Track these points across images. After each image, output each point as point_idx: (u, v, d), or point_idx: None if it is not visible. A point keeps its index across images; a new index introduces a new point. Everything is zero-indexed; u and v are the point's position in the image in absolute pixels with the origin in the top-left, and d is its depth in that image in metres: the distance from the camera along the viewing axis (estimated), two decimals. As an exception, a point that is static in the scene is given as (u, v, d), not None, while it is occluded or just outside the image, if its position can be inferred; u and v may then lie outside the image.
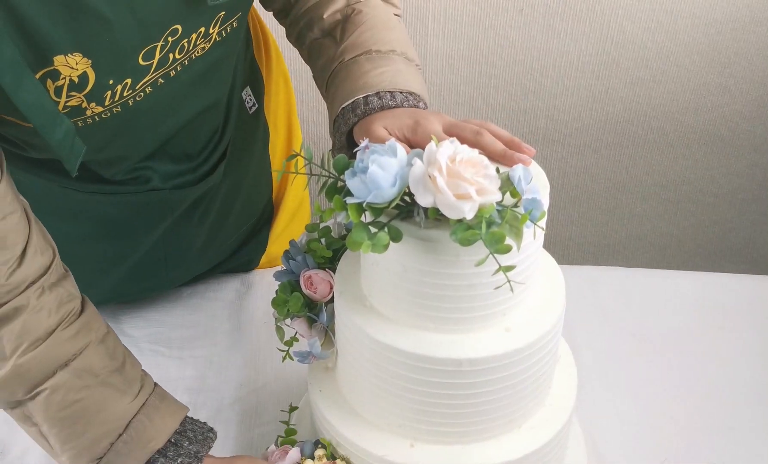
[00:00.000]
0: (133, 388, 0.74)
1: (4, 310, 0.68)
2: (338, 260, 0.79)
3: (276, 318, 0.81)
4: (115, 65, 0.72)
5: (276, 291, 0.80)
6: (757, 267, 1.24)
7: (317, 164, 0.68)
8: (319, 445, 0.77)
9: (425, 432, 0.73)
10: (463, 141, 0.70)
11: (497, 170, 0.64)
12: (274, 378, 0.98)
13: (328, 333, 0.79)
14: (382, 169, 0.61)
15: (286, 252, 0.81)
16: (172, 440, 0.75)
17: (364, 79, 0.79)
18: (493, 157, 0.70)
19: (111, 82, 0.73)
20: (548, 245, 0.80)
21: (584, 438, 0.90)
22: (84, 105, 0.73)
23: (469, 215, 0.60)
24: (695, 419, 0.94)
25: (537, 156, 0.72)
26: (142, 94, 0.77)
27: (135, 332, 1.05)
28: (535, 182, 0.66)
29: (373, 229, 0.63)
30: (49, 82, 0.68)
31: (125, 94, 0.75)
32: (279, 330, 0.81)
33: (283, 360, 0.79)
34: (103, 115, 0.76)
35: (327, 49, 0.85)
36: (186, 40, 0.76)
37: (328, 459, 0.76)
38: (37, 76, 0.67)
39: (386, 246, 0.62)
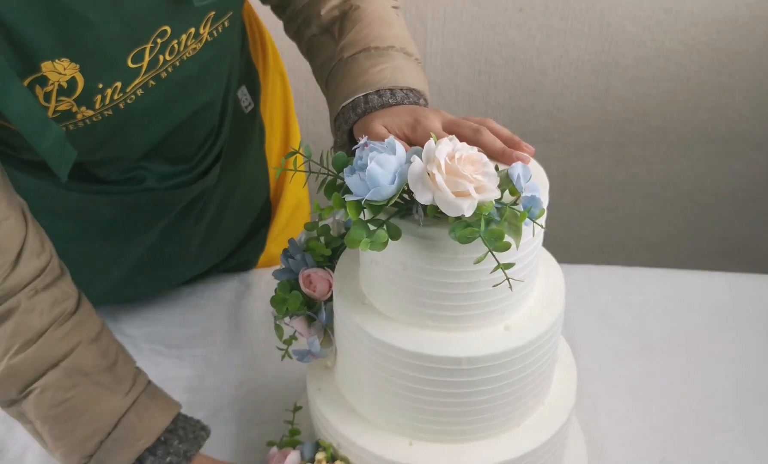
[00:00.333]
0: (124, 386, 0.74)
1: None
2: (337, 258, 0.79)
3: (275, 317, 0.81)
4: (103, 69, 0.72)
5: (275, 290, 0.80)
6: (757, 266, 1.24)
7: (316, 162, 0.68)
8: (319, 448, 0.77)
9: (424, 430, 0.72)
10: (462, 138, 0.70)
11: (496, 168, 0.64)
12: (273, 378, 0.98)
13: (327, 332, 0.78)
14: (380, 167, 0.61)
15: (285, 251, 0.81)
16: (162, 438, 0.75)
17: (363, 77, 0.79)
18: (492, 154, 0.69)
19: (100, 85, 0.73)
20: (548, 244, 0.80)
21: (583, 437, 0.90)
22: (74, 109, 0.73)
23: (468, 213, 0.60)
24: (694, 418, 0.93)
25: (537, 155, 0.71)
26: (133, 96, 0.77)
27: (134, 331, 1.05)
28: (535, 180, 0.65)
29: (371, 227, 0.63)
30: (37, 88, 0.68)
31: (116, 97, 0.75)
32: (278, 328, 0.81)
33: (282, 359, 0.79)
34: (94, 119, 0.75)
35: (325, 47, 0.85)
36: (176, 41, 0.76)
37: (327, 462, 0.75)
38: (25, 83, 0.67)
39: (385, 244, 0.62)
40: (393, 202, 0.63)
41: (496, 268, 0.60)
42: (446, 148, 0.62)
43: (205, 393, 0.96)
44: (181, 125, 0.88)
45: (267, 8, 0.95)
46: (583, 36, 1.52)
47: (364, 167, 0.61)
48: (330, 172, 0.68)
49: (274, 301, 0.79)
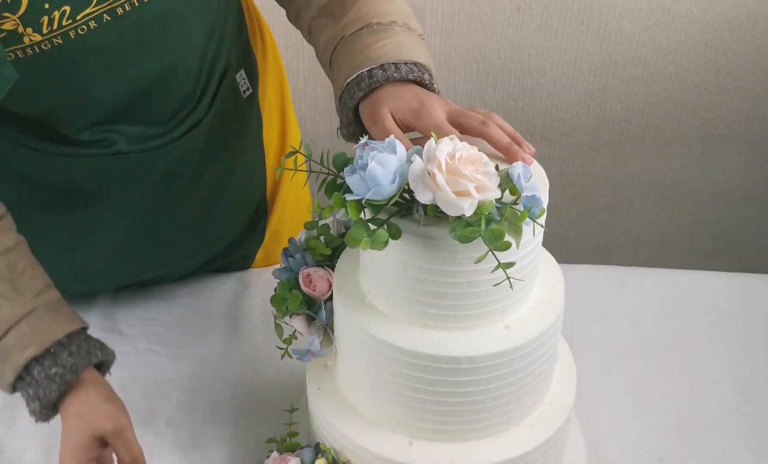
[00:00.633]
0: (23, 298, 0.76)
1: None
2: (337, 258, 0.78)
3: (275, 316, 0.80)
4: None
5: (275, 289, 0.80)
6: (754, 265, 1.24)
7: (316, 161, 0.68)
8: (319, 453, 0.77)
9: (424, 429, 0.72)
10: (468, 130, 0.70)
11: (497, 168, 0.64)
12: (271, 378, 0.97)
13: (326, 331, 0.78)
14: (381, 166, 0.61)
15: (285, 250, 0.81)
16: (51, 350, 0.75)
17: (366, 52, 0.78)
18: (498, 148, 0.69)
19: (47, 6, 0.72)
20: (546, 243, 0.80)
21: (583, 436, 0.90)
22: (20, 29, 0.72)
23: (469, 212, 0.60)
24: (692, 417, 0.93)
25: (535, 154, 0.71)
26: (84, 27, 0.76)
27: (131, 331, 1.05)
28: (535, 180, 0.65)
29: (372, 226, 0.63)
30: None
31: (65, 23, 0.74)
32: (278, 327, 0.81)
33: (282, 358, 0.79)
34: (43, 46, 0.75)
35: (327, 27, 0.84)
36: None
37: (328, 467, 0.75)
38: None
39: (385, 244, 0.62)
40: (393, 201, 0.63)
41: (496, 268, 0.60)
42: (447, 148, 0.62)
43: (203, 393, 0.96)
44: (151, 85, 0.86)
45: (270, 4, 0.94)
46: (581, 35, 1.52)
47: (364, 167, 0.61)
48: (330, 172, 0.68)
49: (274, 300, 0.79)
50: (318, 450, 0.78)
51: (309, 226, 0.81)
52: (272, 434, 0.85)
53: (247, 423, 0.92)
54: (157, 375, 0.98)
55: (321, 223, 0.81)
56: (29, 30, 0.73)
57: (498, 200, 0.63)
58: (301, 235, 0.82)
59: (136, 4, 0.78)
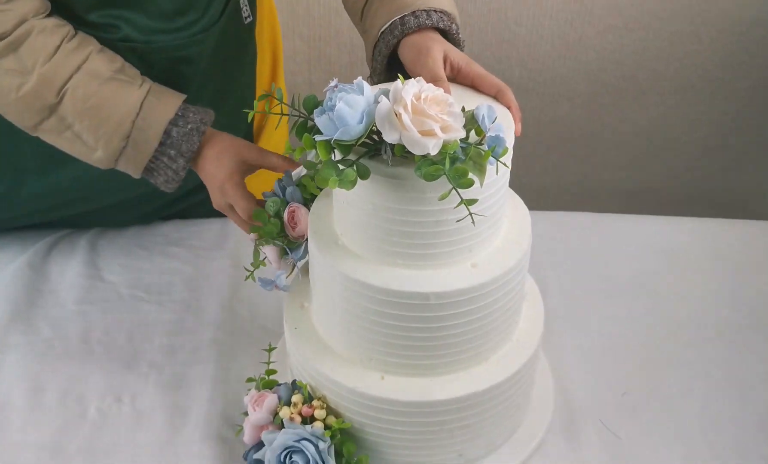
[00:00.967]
0: (137, 80, 0.86)
1: (17, 33, 0.81)
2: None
3: (256, 242, 0.83)
4: None
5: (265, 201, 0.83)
6: (726, 214, 1.27)
7: (288, 104, 0.69)
8: (296, 390, 0.80)
9: (395, 364, 0.75)
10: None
11: (462, 109, 0.66)
12: (250, 321, 1.00)
13: (295, 268, 0.81)
14: (349, 107, 0.63)
15: (279, 180, 0.84)
16: (180, 112, 0.86)
17: (398, 2, 0.83)
18: (512, 110, 0.76)
19: None
20: (522, 193, 0.83)
21: (551, 372, 0.93)
22: None
23: (434, 151, 0.62)
24: (656, 354, 0.97)
25: None
26: None
27: (113, 278, 1.07)
28: (500, 121, 0.68)
29: (341, 167, 0.65)
30: None
31: None
32: (256, 252, 0.84)
33: (245, 280, 0.83)
34: None
35: None
36: None
37: (304, 402, 0.78)
38: None
39: (353, 182, 0.64)
40: (361, 141, 0.65)
41: (459, 204, 0.62)
42: (413, 89, 0.64)
43: (184, 337, 0.98)
44: None
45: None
46: (557, -16, 1.53)
47: (333, 108, 0.63)
48: (301, 114, 0.69)
49: (257, 214, 0.82)
50: (294, 386, 0.81)
51: (308, 165, 0.83)
52: (251, 371, 0.88)
53: (228, 364, 0.95)
54: (139, 319, 1.00)
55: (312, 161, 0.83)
56: None
57: (463, 140, 0.65)
58: (299, 171, 0.85)
59: None
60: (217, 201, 0.89)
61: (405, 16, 0.82)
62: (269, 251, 0.81)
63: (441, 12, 0.83)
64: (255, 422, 0.79)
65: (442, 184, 0.64)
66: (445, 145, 0.63)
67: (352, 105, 0.63)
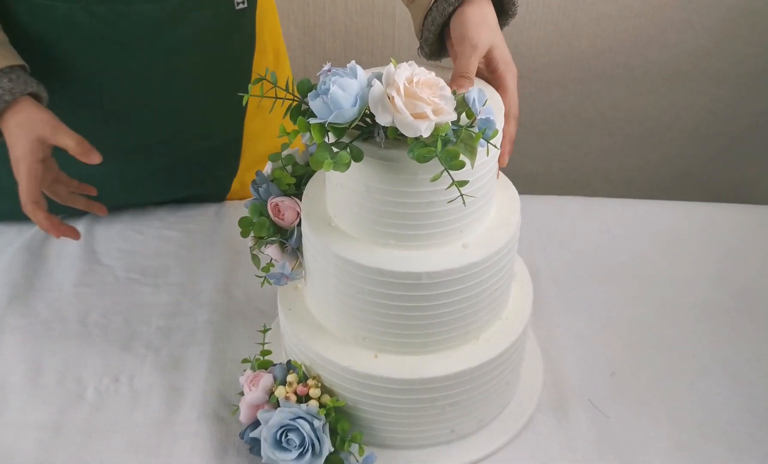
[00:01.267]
0: None
1: None
2: (304, 186, 0.82)
3: (251, 248, 0.84)
4: None
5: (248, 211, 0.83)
6: (719, 200, 1.29)
7: (282, 88, 0.71)
8: (291, 370, 0.81)
9: (388, 343, 0.77)
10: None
11: (453, 92, 0.67)
12: (245, 303, 1.01)
13: (298, 256, 0.82)
14: (342, 90, 0.64)
15: (253, 182, 0.84)
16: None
17: None
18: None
19: None
20: (515, 179, 0.84)
21: (540, 353, 0.95)
22: None
23: (426, 133, 0.64)
24: (645, 335, 0.99)
25: None
26: None
27: (111, 261, 1.08)
28: (490, 104, 0.69)
29: (335, 149, 0.66)
30: None
31: None
32: (255, 258, 0.85)
33: (261, 286, 0.83)
34: None
35: None
36: None
37: (299, 382, 0.80)
38: None
39: (347, 165, 0.66)
40: (355, 124, 0.66)
41: (450, 185, 0.64)
42: (405, 72, 0.65)
43: (180, 319, 1.00)
44: None
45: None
46: (550, -29, 1.53)
47: (327, 91, 0.64)
48: (295, 98, 0.71)
49: (242, 222, 0.83)
50: (289, 366, 0.82)
51: (273, 157, 0.84)
52: (247, 353, 0.89)
53: (223, 345, 0.96)
54: (136, 301, 1.02)
55: (285, 153, 0.84)
56: None
57: (454, 123, 0.66)
58: (267, 167, 0.85)
59: None
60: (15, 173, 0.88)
61: None
62: (271, 251, 0.82)
63: None
64: (251, 401, 0.80)
65: (434, 165, 0.65)
66: (436, 128, 0.64)
67: (345, 88, 0.64)
